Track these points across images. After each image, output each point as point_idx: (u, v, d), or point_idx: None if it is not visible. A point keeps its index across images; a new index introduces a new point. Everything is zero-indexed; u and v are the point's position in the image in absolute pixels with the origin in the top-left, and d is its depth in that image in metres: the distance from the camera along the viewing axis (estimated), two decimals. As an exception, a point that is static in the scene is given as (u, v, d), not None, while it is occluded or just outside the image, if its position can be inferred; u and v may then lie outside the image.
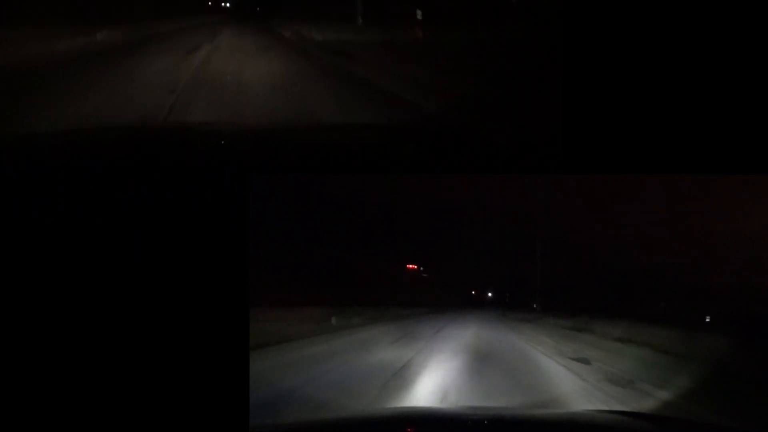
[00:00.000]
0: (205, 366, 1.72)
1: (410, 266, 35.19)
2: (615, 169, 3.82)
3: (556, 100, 3.82)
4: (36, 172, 2.47)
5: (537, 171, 7.73)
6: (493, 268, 43.68)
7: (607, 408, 4.16)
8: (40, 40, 15.67)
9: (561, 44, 3.73)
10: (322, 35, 20.00)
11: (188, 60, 15.46)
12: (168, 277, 1.85)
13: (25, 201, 2.10)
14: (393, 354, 8.30)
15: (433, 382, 6.00)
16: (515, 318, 24.13)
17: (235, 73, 12.95)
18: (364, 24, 22.05)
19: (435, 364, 7.44)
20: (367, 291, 21.87)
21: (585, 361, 8.16)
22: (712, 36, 3.47)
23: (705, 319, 14.75)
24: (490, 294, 48.17)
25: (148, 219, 2.01)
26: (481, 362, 7.89)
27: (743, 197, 17.22)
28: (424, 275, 36.46)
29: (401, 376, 6.28)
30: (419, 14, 15.11)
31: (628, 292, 24.40)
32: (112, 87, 10.75)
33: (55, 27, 17.60)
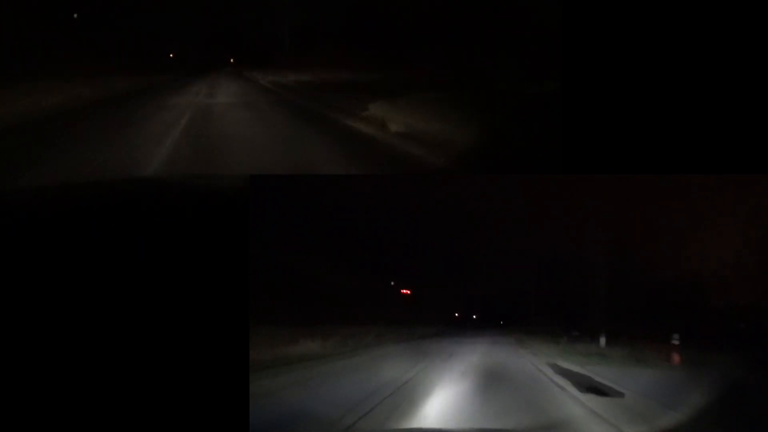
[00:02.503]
0: (203, 376, 1.72)
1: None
2: (615, 169, 3.82)
3: (556, 102, 3.83)
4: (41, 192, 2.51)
5: (537, 171, 7.75)
6: (472, 287, 38.61)
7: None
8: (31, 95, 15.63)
9: (561, 45, 3.74)
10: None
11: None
12: (168, 284, 1.87)
13: (31, 221, 2.14)
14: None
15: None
16: None
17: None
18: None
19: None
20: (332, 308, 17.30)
21: None
22: (711, 37, 3.47)
23: None
24: (474, 316, 45.26)
25: (149, 230, 2.02)
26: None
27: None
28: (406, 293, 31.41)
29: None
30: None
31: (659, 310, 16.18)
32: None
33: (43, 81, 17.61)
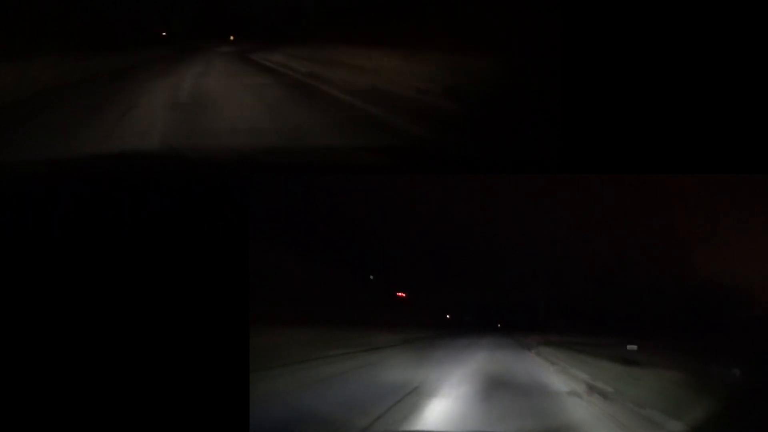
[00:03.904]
0: (203, 375, 1.71)
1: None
2: (615, 169, 3.81)
3: (556, 101, 3.83)
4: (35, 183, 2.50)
5: (537, 171, 7.74)
6: (465, 287, 36.70)
7: None
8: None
9: (561, 47, 3.73)
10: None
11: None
12: (168, 282, 1.86)
13: (27, 213, 2.13)
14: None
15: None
16: None
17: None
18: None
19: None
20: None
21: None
22: (712, 36, 3.47)
23: None
24: (467, 317, 44.52)
25: (146, 224, 2.01)
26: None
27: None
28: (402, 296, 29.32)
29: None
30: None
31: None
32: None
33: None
